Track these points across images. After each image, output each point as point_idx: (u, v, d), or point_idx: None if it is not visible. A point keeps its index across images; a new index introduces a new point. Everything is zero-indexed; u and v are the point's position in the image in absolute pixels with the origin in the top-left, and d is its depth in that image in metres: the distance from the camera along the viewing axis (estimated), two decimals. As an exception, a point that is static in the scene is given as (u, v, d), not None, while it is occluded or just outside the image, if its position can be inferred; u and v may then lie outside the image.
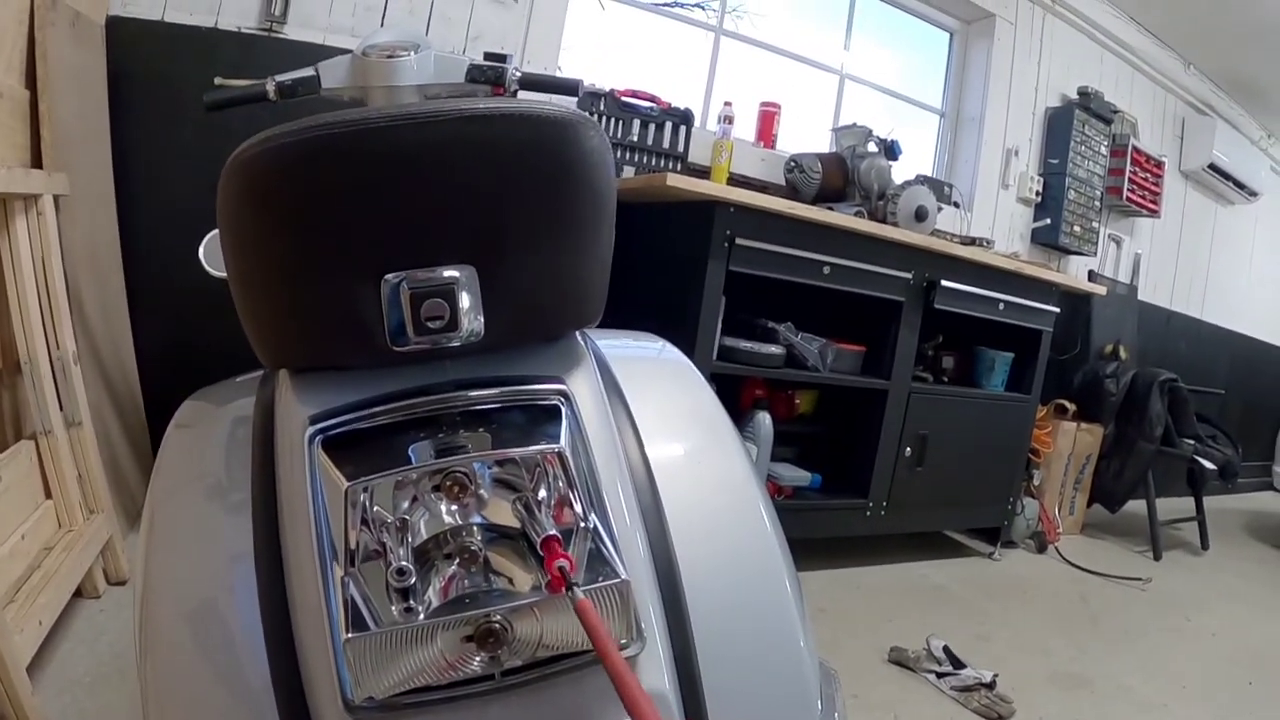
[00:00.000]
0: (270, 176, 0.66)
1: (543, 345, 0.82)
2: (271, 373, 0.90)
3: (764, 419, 2.85)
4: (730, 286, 2.59)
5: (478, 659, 0.64)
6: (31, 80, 1.96)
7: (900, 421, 3.09)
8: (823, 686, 0.85)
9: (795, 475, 2.99)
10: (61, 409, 1.93)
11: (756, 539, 0.89)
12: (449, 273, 0.69)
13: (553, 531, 0.66)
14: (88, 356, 2.14)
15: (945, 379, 3.44)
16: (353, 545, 0.65)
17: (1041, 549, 3.85)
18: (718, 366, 2.64)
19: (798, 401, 3.18)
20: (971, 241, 3.62)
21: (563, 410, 0.74)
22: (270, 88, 1.42)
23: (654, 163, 3.18)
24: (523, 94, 1.54)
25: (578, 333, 0.86)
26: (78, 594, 1.90)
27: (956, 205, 4.07)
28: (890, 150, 3.32)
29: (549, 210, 0.72)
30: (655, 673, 0.70)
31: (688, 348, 2.45)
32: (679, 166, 3.21)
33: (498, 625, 0.63)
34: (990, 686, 2.20)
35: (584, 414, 0.76)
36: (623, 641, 0.68)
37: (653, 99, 3.16)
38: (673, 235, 2.71)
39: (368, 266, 0.68)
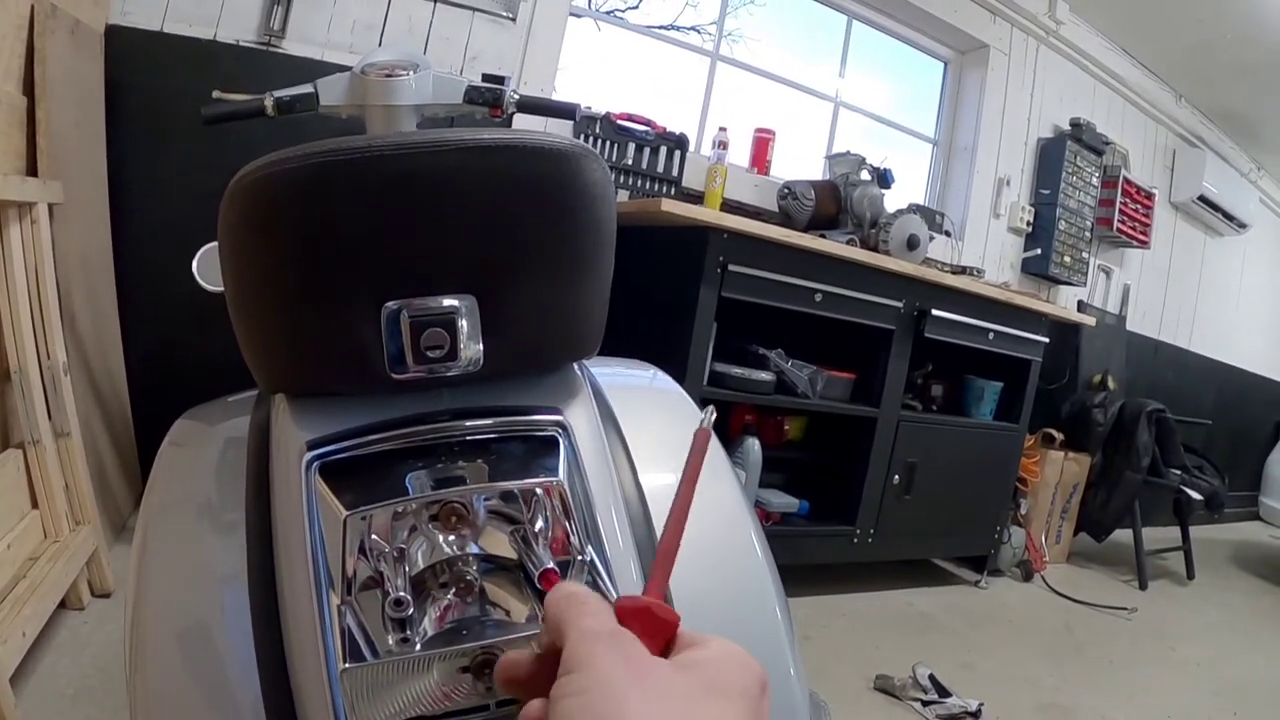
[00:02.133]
0: (273, 201, 0.65)
1: (541, 375, 0.81)
2: (267, 394, 0.90)
3: (753, 445, 2.85)
4: (722, 312, 2.59)
5: (473, 689, 0.64)
6: (29, 87, 1.96)
7: (889, 449, 3.09)
8: (813, 717, 0.85)
9: (783, 501, 2.99)
10: (50, 419, 1.92)
11: (748, 568, 0.89)
12: (449, 302, 0.69)
13: (551, 565, 0.66)
14: (78, 367, 2.13)
15: (934, 407, 3.45)
16: (350, 574, 0.65)
17: (1028, 578, 3.85)
18: (708, 392, 2.64)
19: (787, 428, 3.19)
20: (962, 271, 3.64)
21: (560, 441, 0.74)
22: (268, 103, 1.42)
23: (648, 187, 3.19)
24: (520, 117, 1.55)
25: (574, 363, 0.86)
26: (62, 605, 1.89)
27: (948, 234, 4.10)
28: (883, 178, 3.34)
29: (550, 242, 0.72)
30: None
31: (679, 373, 2.45)
32: (673, 191, 3.22)
33: (494, 656, 0.63)
34: (975, 715, 2.20)
35: (581, 445, 0.75)
36: None
37: (648, 123, 3.17)
38: (666, 260, 2.71)
39: (368, 294, 0.68)
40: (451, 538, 0.68)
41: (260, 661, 0.68)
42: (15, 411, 1.86)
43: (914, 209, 3.38)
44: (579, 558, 0.69)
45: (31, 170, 1.97)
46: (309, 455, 0.69)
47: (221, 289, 0.75)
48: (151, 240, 2.50)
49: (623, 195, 3.11)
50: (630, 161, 3.14)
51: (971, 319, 3.19)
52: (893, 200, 3.39)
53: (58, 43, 2.05)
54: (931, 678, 2.33)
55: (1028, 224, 4.67)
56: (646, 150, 3.17)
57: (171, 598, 0.75)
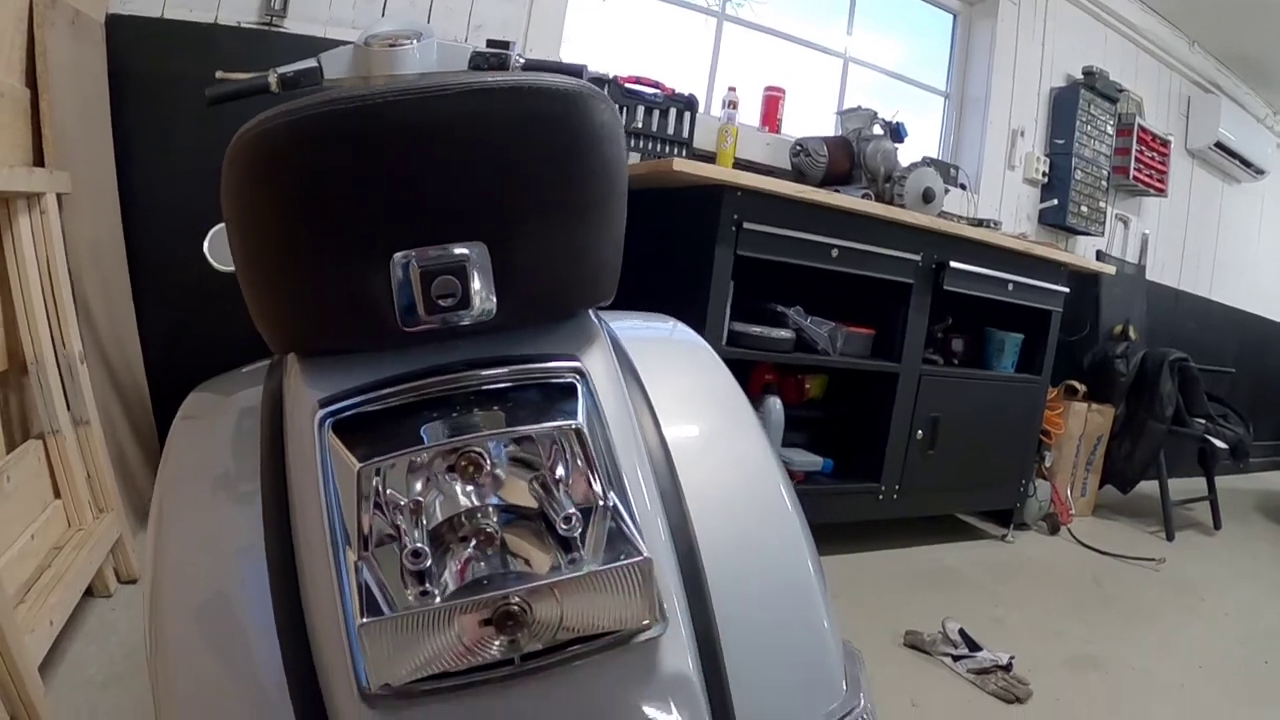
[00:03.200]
0: (275, 155, 0.64)
1: (556, 323, 0.80)
2: (279, 359, 0.88)
3: (774, 404, 2.84)
4: (738, 271, 2.57)
5: (496, 643, 0.62)
6: (32, 79, 1.95)
7: (911, 404, 3.07)
8: (847, 667, 0.84)
9: (807, 460, 2.97)
10: (69, 408, 1.92)
11: (777, 520, 0.87)
12: (460, 250, 0.67)
13: (571, 510, 0.64)
14: (94, 355, 2.13)
15: (955, 361, 3.42)
16: (366, 529, 0.63)
17: (1054, 531, 3.83)
18: (727, 351, 2.62)
19: (808, 386, 3.17)
20: (979, 223, 3.60)
21: (578, 387, 0.72)
22: (272, 80, 1.40)
23: (659, 149, 3.17)
24: (527, 78, 1.53)
25: (590, 312, 0.84)
26: (89, 593, 1.90)
27: (963, 187, 4.06)
28: (896, 132, 3.30)
29: (559, 185, 0.70)
30: (678, 655, 0.68)
31: (697, 332, 2.45)
32: (684, 152, 3.20)
33: (516, 607, 0.61)
34: (1006, 669, 2.19)
35: (600, 391, 0.74)
36: (645, 622, 0.66)
37: (657, 85, 3.14)
38: (680, 221, 2.69)
39: (376, 245, 0.66)
40: (470, 488, 0.66)
41: (280, 628, 0.67)
42: (34, 402, 1.86)
43: (928, 162, 3.34)
44: (601, 503, 0.67)
45: (38, 161, 1.96)
46: (321, 413, 0.68)
47: (233, 269, 0.74)
48: (162, 224, 2.50)
49: (634, 158, 3.08)
50: (640, 124, 3.11)
51: (990, 270, 3.15)
52: (906, 155, 3.36)
53: (58, 34, 2.04)
54: (961, 632, 2.32)
55: (1043, 175, 4.61)
56: (656, 112, 3.14)
57: (189, 571, 0.74)
